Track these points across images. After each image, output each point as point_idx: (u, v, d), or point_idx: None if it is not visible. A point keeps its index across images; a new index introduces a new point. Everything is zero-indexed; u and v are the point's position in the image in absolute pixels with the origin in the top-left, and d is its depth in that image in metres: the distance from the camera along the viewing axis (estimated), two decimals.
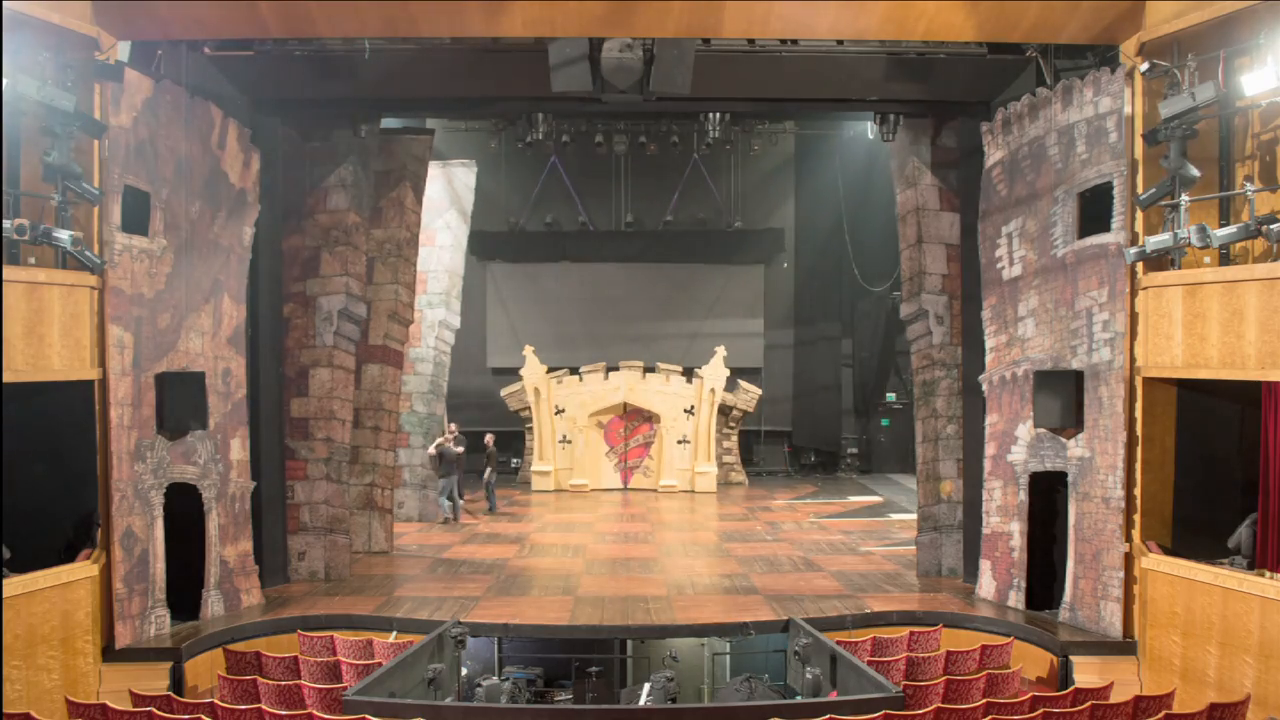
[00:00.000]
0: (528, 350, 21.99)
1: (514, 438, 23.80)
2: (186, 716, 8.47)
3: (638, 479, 22.38)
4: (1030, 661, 10.58)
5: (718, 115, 21.06)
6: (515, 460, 24.16)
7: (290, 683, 9.36)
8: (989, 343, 12.28)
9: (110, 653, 10.06)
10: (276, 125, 13.07)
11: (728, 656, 11.60)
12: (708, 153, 23.06)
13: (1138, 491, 10.32)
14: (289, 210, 13.40)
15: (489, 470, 19.63)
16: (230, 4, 10.26)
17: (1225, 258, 9.92)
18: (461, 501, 18.10)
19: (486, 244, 24.54)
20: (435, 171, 18.30)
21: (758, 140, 24.04)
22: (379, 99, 13.36)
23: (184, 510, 11.12)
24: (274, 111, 12.86)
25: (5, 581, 8.97)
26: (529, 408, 22.28)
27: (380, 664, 9.49)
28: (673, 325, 24.56)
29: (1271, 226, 9.02)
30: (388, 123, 15.16)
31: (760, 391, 22.98)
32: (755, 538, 16.28)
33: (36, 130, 9.58)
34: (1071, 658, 10.25)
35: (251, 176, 12.26)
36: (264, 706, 8.47)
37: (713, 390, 21.69)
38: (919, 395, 13.77)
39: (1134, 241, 10.23)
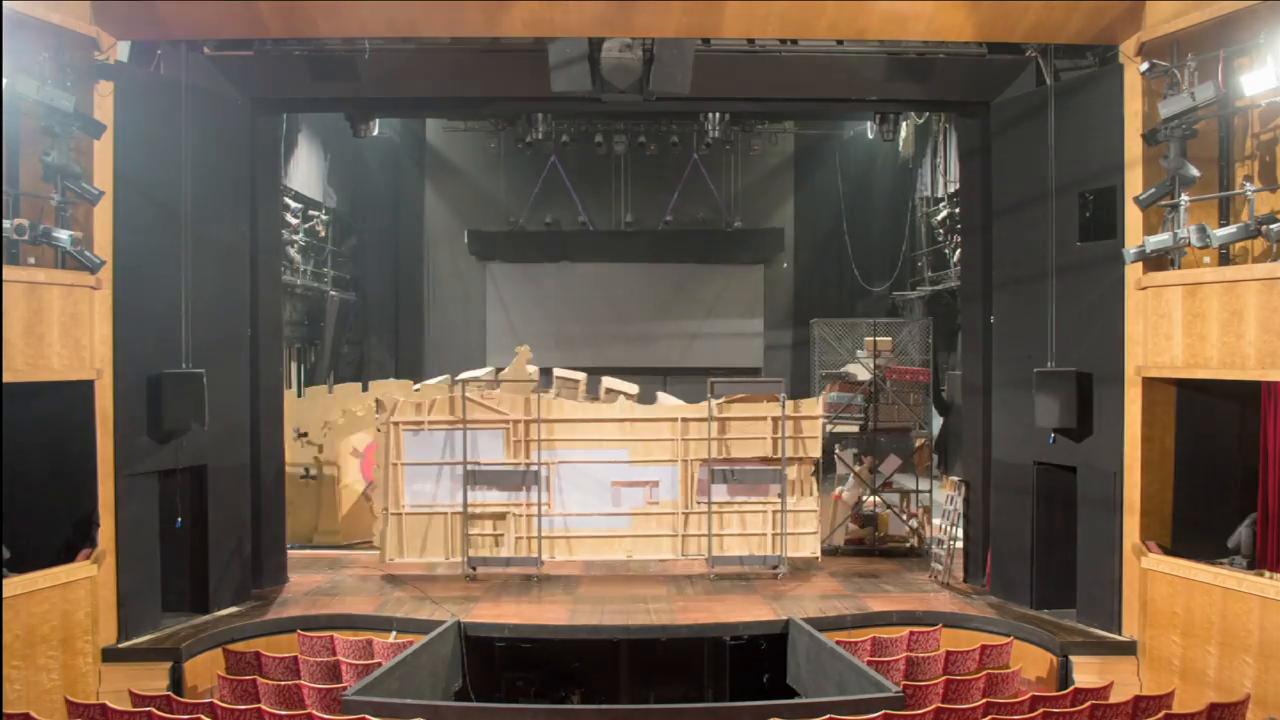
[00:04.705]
0: (521, 350, 19.46)
1: None
2: (186, 716, 8.47)
3: None
4: (1030, 661, 10.57)
5: (717, 115, 21.09)
6: None
7: (290, 683, 9.36)
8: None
9: (110, 653, 10.06)
10: (276, 124, 13.07)
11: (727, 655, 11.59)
12: (707, 153, 23.06)
13: (1138, 492, 10.32)
14: None
15: None
16: (230, 4, 10.26)
17: (1225, 258, 9.92)
18: None
19: (486, 244, 24.51)
20: None
21: (757, 140, 24.04)
22: (379, 99, 13.37)
23: (185, 509, 11.13)
24: (274, 111, 12.86)
25: (5, 581, 8.97)
26: None
27: (380, 664, 9.48)
28: (673, 325, 24.52)
29: (1271, 226, 9.02)
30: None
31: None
32: None
33: (36, 130, 9.58)
34: (1071, 657, 10.26)
35: (251, 176, 12.24)
36: (264, 706, 8.47)
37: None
38: None
39: (1134, 241, 10.23)
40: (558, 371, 14.68)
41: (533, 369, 13.90)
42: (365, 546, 14.07)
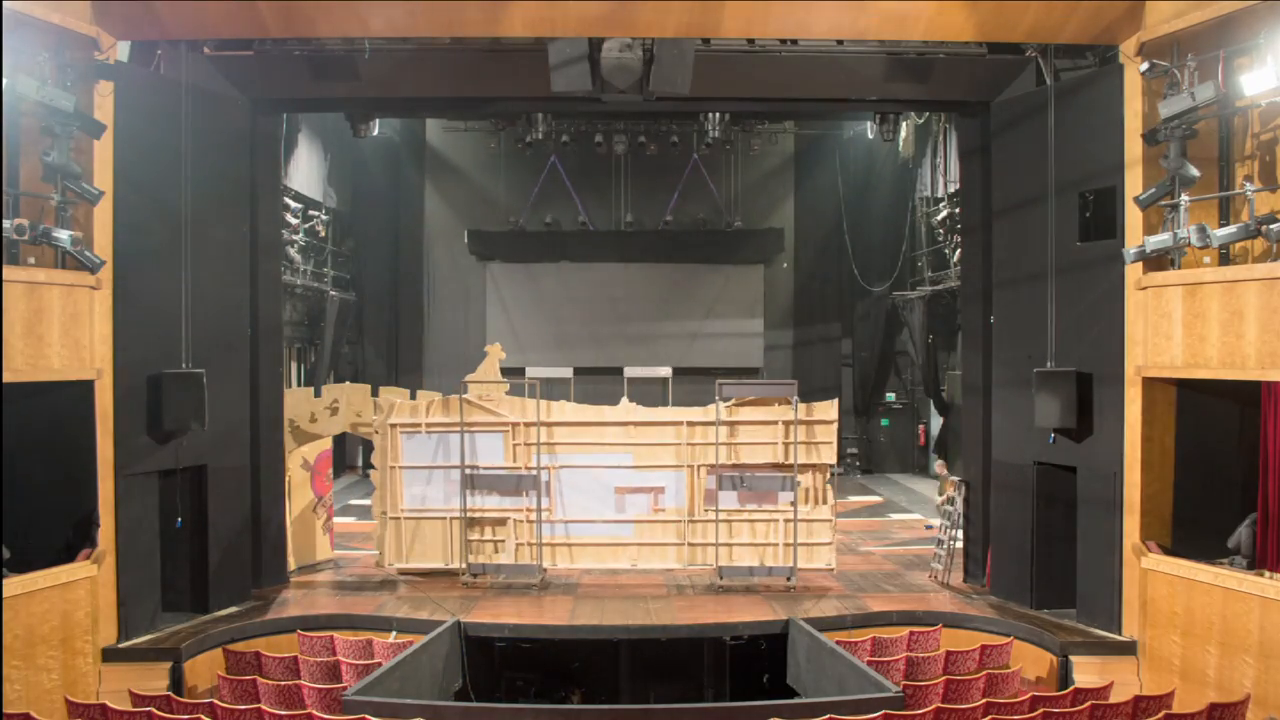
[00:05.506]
0: (491, 349, 14.79)
1: None
2: (186, 717, 8.47)
3: None
4: (1030, 661, 10.57)
5: (718, 115, 21.10)
6: None
7: (290, 683, 9.37)
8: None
9: (110, 653, 10.06)
10: (276, 124, 13.08)
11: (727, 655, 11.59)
12: (707, 153, 23.08)
13: (1138, 492, 10.32)
14: None
15: None
16: (230, 4, 10.26)
17: (1225, 258, 9.93)
18: None
19: (486, 244, 24.54)
20: None
21: (757, 140, 24.05)
22: (379, 99, 13.38)
23: (185, 509, 11.13)
24: (274, 111, 12.86)
25: (5, 581, 8.97)
26: None
27: (380, 664, 9.49)
28: (673, 325, 24.54)
29: (1271, 226, 9.03)
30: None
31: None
32: None
33: (36, 130, 9.59)
34: (1071, 658, 10.26)
35: (251, 175, 12.24)
36: (264, 706, 8.48)
37: None
38: None
39: (1134, 241, 10.23)
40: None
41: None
42: (311, 570, 13.42)
